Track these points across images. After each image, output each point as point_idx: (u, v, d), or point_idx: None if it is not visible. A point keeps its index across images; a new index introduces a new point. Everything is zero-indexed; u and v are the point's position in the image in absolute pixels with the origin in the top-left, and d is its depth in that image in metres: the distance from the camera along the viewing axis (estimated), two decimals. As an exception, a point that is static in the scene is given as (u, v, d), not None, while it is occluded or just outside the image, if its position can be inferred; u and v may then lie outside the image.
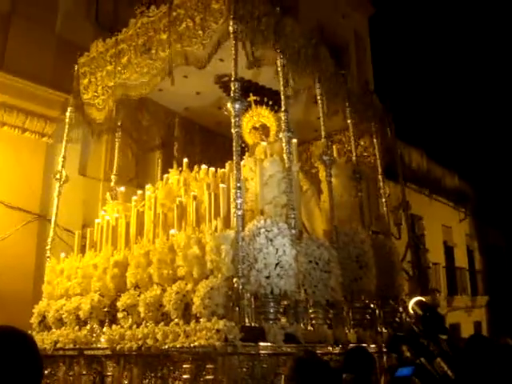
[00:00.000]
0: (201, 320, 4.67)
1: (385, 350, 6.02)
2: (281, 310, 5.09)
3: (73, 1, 10.11)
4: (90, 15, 10.45)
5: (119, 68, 6.93)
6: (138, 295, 5.45)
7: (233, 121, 5.33)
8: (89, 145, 9.53)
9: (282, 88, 6.07)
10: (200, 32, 5.92)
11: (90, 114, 7.39)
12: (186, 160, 7.44)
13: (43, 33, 9.25)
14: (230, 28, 5.53)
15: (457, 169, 21.67)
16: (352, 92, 7.79)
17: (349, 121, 7.61)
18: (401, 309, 7.16)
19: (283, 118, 5.94)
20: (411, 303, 4.40)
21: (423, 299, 4.50)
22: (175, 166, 7.89)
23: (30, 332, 6.24)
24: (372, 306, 6.65)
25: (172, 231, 5.60)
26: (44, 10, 9.34)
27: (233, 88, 5.41)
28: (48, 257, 6.89)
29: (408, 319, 6.96)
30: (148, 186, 6.95)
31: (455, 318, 18.31)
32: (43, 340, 6.04)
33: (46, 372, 5.99)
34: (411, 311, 4.43)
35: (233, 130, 5.31)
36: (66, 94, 8.07)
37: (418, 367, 3.70)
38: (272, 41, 6.05)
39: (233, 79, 5.45)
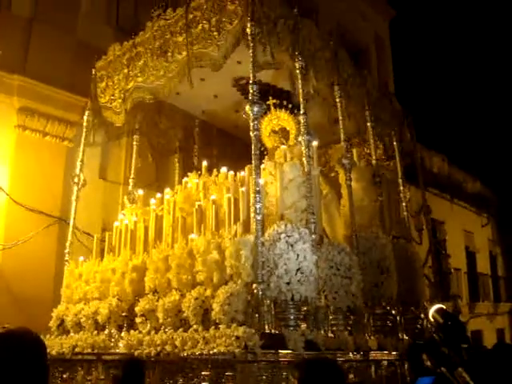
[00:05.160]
0: (220, 326, 4.60)
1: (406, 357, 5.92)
2: (301, 316, 5.00)
3: (93, 5, 10.15)
4: (110, 19, 10.50)
5: (135, 71, 6.92)
6: (157, 300, 5.41)
7: (251, 124, 5.26)
8: (109, 149, 9.58)
9: (300, 91, 5.99)
10: (215, 33, 5.88)
11: (108, 117, 7.40)
12: (205, 164, 7.40)
13: (64, 37, 9.29)
14: (248, 30, 5.47)
15: (479, 174, 21.40)
16: (372, 94, 7.69)
17: (369, 123, 7.51)
18: (422, 315, 7.03)
19: (302, 120, 5.87)
20: (432, 311, 4.29)
21: (444, 307, 4.40)
22: (194, 169, 7.84)
23: (48, 336, 6.27)
24: (393, 312, 6.53)
25: (192, 236, 5.54)
26: (65, 14, 9.39)
27: (251, 91, 5.35)
28: (66, 260, 6.90)
29: (429, 326, 6.84)
30: (167, 190, 6.92)
31: (477, 324, 18.01)
32: (62, 344, 6.03)
33: (64, 376, 5.99)
34: (432, 319, 4.33)
35: (251, 134, 5.25)
36: (86, 98, 8.09)
37: (439, 377, 3.60)
38: (287, 44, 5.98)
39: (251, 82, 5.39)
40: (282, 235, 4.92)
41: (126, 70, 7.09)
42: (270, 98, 7.33)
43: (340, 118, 6.82)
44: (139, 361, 4.75)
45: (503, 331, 20.98)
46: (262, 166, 5.62)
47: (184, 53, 6.16)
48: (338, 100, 6.81)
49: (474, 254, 20.48)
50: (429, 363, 3.77)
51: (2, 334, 2.04)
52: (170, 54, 6.43)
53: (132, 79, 6.95)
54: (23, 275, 7.82)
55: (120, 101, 7.18)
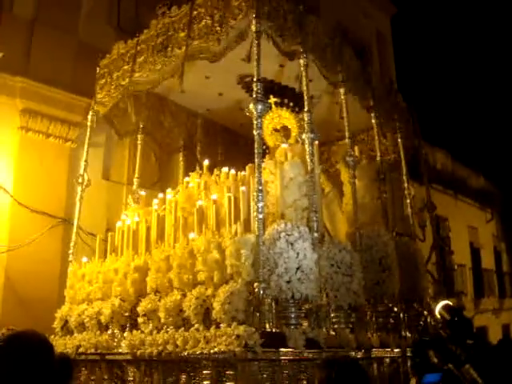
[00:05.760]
0: (221, 325, 4.62)
1: (409, 354, 5.91)
2: (302, 314, 5.01)
3: (95, 6, 10.18)
4: (111, 20, 10.52)
5: (135, 67, 6.90)
6: (159, 300, 5.43)
7: (255, 122, 5.25)
8: (112, 149, 9.61)
9: (305, 88, 5.96)
10: (218, 28, 5.86)
11: (97, 110, 7.43)
12: (206, 163, 7.40)
13: (66, 39, 9.32)
14: (253, 27, 5.44)
15: (482, 169, 21.34)
16: (376, 91, 7.66)
17: (373, 120, 7.45)
18: (425, 312, 7.02)
19: (306, 118, 5.84)
20: (438, 307, 4.29)
21: (451, 303, 4.39)
22: (197, 168, 7.84)
23: (52, 336, 6.30)
24: (395, 309, 6.53)
25: (191, 235, 5.56)
26: (66, 16, 9.43)
27: (255, 89, 5.33)
28: (70, 261, 6.91)
29: (433, 323, 6.83)
30: (168, 190, 6.93)
31: (483, 320, 17.96)
32: (65, 344, 6.07)
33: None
34: (438, 316, 4.32)
35: (255, 132, 5.23)
36: (89, 98, 8.11)
37: (446, 373, 3.60)
38: (299, 38, 5.95)
39: (255, 80, 5.37)
40: (282, 234, 4.92)
41: (126, 67, 7.09)
42: (271, 96, 7.32)
43: (344, 115, 6.78)
44: (68, 357, 4.82)
45: (508, 327, 20.93)
46: (263, 165, 5.61)
47: (184, 47, 6.13)
48: (342, 97, 6.79)
49: (479, 250, 20.42)
50: (435, 360, 3.76)
51: (10, 337, 2.06)
52: (170, 49, 6.41)
53: (129, 74, 6.93)
54: (28, 276, 7.86)
55: (114, 95, 7.19)
